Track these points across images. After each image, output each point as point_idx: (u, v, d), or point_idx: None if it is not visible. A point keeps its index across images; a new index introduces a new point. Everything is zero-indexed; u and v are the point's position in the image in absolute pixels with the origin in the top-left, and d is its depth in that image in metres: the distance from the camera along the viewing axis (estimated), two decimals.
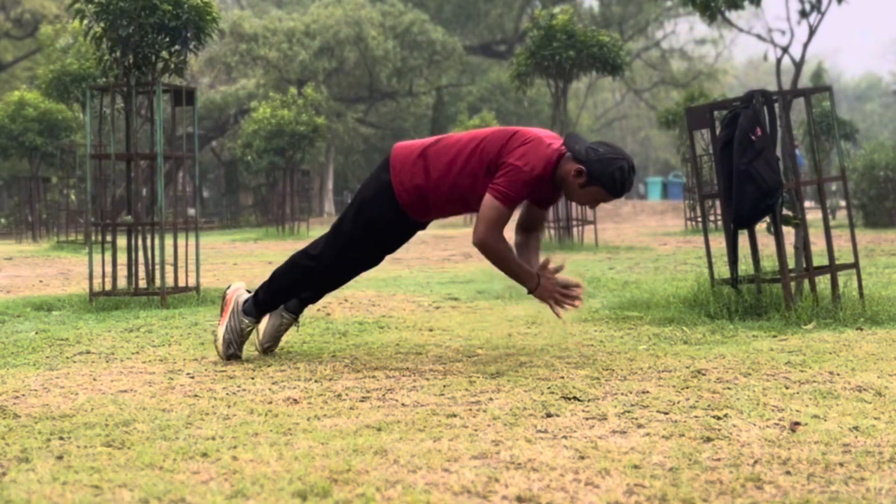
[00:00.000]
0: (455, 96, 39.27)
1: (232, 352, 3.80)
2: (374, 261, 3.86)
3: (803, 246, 4.85)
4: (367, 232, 3.70)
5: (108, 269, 6.37)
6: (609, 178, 3.45)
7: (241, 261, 11.11)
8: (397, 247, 3.86)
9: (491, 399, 2.91)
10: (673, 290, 5.39)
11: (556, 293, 3.56)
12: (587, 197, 3.55)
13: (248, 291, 3.90)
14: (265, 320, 3.90)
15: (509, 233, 3.60)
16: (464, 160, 3.56)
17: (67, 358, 3.97)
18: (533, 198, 3.65)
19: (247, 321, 3.80)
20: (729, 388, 2.99)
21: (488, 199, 3.48)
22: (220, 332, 3.80)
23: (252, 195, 32.21)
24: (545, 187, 3.56)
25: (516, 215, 3.79)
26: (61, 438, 2.50)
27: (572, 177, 3.48)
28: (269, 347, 3.93)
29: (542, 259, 3.71)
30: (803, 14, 5.08)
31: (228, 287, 3.92)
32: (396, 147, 3.75)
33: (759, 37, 5.49)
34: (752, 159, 4.47)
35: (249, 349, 3.99)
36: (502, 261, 3.55)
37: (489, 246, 3.51)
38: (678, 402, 2.80)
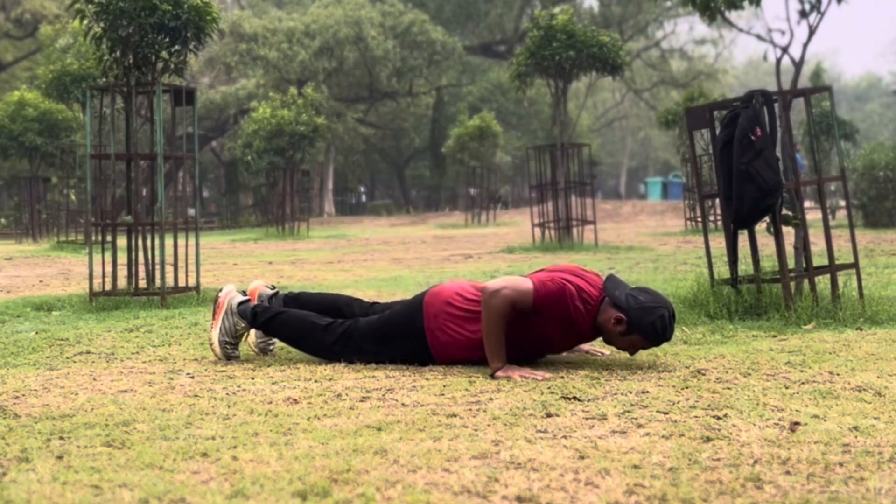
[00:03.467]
0: (455, 96, 39.28)
1: (229, 352, 3.81)
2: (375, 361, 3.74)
3: (803, 246, 4.85)
4: (385, 353, 3.63)
5: (108, 269, 6.37)
6: (650, 327, 3.38)
7: (240, 261, 11.11)
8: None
9: (491, 399, 2.91)
10: (673, 290, 5.39)
11: (520, 373, 3.34)
12: (626, 343, 3.47)
13: (242, 294, 3.90)
14: None
15: None
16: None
17: (67, 358, 3.97)
18: (570, 326, 3.47)
19: (242, 323, 3.81)
20: (729, 388, 2.99)
21: (525, 277, 3.46)
22: (215, 335, 3.81)
23: (252, 195, 32.21)
24: (583, 322, 3.44)
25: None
26: (61, 438, 2.50)
27: (612, 324, 3.42)
28: (264, 347, 3.93)
29: None
30: (803, 14, 5.08)
31: (220, 290, 3.93)
32: (432, 295, 3.62)
33: (758, 37, 5.49)
34: (752, 159, 4.47)
35: (249, 350, 4.00)
36: (495, 324, 3.37)
37: (493, 304, 3.35)
38: (678, 402, 2.80)
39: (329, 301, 3.97)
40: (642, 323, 3.38)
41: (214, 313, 3.85)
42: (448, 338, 3.54)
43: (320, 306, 3.91)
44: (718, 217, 14.57)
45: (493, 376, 3.31)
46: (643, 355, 3.69)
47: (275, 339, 3.96)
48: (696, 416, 2.62)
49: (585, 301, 3.42)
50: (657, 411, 2.69)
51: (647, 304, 3.39)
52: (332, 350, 3.68)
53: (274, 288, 4.04)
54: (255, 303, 3.90)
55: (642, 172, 62.68)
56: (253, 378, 3.38)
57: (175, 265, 6.24)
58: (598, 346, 3.89)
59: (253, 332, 3.94)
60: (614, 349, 3.82)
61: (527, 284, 3.39)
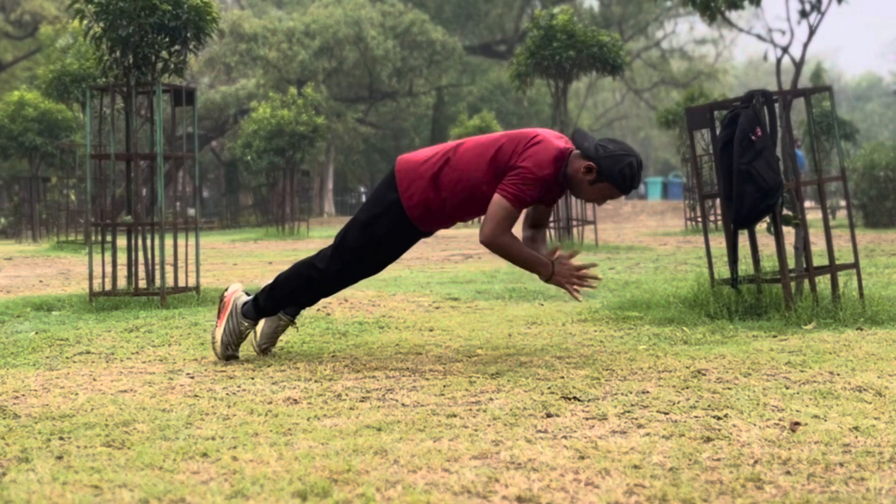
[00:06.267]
0: (455, 96, 39.27)
1: (230, 353, 3.81)
2: (377, 270, 3.86)
3: (803, 246, 4.84)
4: (375, 246, 3.71)
5: (108, 269, 6.37)
6: (619, 174, 3.49)
7: (241, 261, 11.10)
8: (401, 254, 3.86)
9: (491, 399, 2.91)
10: (673, 290, 5.39)
11: (572, 276, 3.60)
12: (596, 193, 3.58)
13: (247, 294, 3.90)
14: (263, 322, 3.91)
15: (517, 229, 3.61)
16: (474, 169, 3.56)
17: (67, 358, 3.97)
18: (541, 198, 3.65)
19: (246, 323, 3.81)
20: (729, 388, 2.99)
21: (497, 199, 3.49)
22: (218, 334, 3.80)
23: (252, 195, 32.22)
24: (553, 188, 3.57)
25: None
26: (61, 438, 2.50)
27: (581, 174, 3.51)
28: (266, 348, 3.93)
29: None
30: (803, 14, 5.08)
31: (226, 289, 3.92)
32: (400, 161, 3.73)
33: (759, 37, 5.49)
34: (752, 159, 4.47)
35: (249, 349, 4.00)
36: (514, 254, 3.57)
37: (498, 243, 3.53)
38: (678, 402, 2.80)
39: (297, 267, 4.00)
40: (612, 170, 3.48)
41: (220, 312, 3.85)
42: (423, 196, 3.60)
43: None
44: (718, 217, 14.57)
45: (548, 281, 3.60)
46: (643, 355, 3.69)
47: (274, 341, 3.95)
48: (696, 416, 2.62)
49: (556, 161, 3.49)
50: (657, 411, 2.69)
51: (616, 153, 3.50)
52: (333, 272, 3.72)
53: (250, 294, 4.04)
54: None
55: (643, 172, 62.67)
56: (253, 378, 3.38)
57: (175, 265, 6.24)
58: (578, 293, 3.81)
59: (253, 332, 3.94)
60: (593, 293, 3.83)
61: (507, 212, 3.47)
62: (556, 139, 3.58)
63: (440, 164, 3.62)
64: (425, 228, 3.72)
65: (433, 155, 3.69)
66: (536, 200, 3.62)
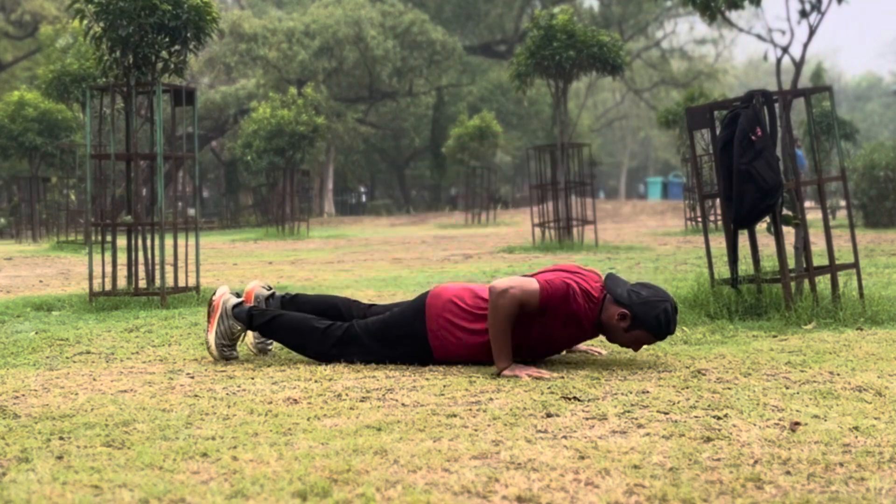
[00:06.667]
0: (455, 96, 39.26)
1: (227, 354, 3.80)
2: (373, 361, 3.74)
3: (803, 246, 4.84)
4: (385, 354, 3.64)
5: (108, 269, 6.37)
6: (654, 321, 3.42)
7: (241, 261, 11.10)
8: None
9: (491, 399, 2.91)
10: (673, 290, 5.39)
11: (527, 372, 3.36)
12: (630, 339, 3.49)
13: (236, 296, 3.89)
14: None
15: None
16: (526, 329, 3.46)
17: (67, 358, 3.97)
18: (571, 323, 3.48)
19: (238, 326, 3.81)
20: (729, 388, 2.99)
21: (530, 277, 3.46)
22: (211, 338, 3.80)
23: (252, 195, 32.21)
24: (587, 318, 3.46)
25: None
26: (61, 438, 2.50)
27: (616, 321, 3.44)
28: (264, 348, 3.93)
29: None
30: (803, 14, 5.08)
31: (214, 293, 3.92)
32: (433, 296, 3.63)
33: (759, 37, 5.49)
34: (752, 159, 4.47)
35: (249, 350, 3.99)
36: (502, 323, 3.37)
37: (502, 298, 3.36)
38: (678, 402, 2.80)
39: (327, 303, 3.96)
40: (646, 317, 3.41)
41: (209, 316, 3.84)
42: (450, 339, 3.55)
43: (318, 308, 3.89)
44: (718, 217, 14.56)
45: (499, 375, 3.32)
46: (643, 355, 3.69)
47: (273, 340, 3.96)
48: (696, 416, 2.62)
49: (588, 298, 3.44)
50: (657, 411, 2.69)
51: (650, 299, 3.43)
52: (330, 353, 3.68)
53: (271, 289, 4.03)
54: (252, 304, 3.89)
55: (642, 172, 62.66)
56: (253, 378, 3.38)
57: (175, 265, 6.24)
58: (595, 346, 3.90)
59: (250, 332, 3.94)
60: (614, 347, 3.83)
61: (533, 284, 3.40)
62: (588, 283, 3.49)
63: (470, 304, 3.56)
64: (440, 358, 3.62)
65: (467, 299, 3.58)
66: (557, 306, 3.42)
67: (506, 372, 3.33)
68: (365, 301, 4.08)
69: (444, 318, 3.56)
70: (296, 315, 3.80)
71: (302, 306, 3.91)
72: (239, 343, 3.96)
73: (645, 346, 3.84)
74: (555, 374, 3.30)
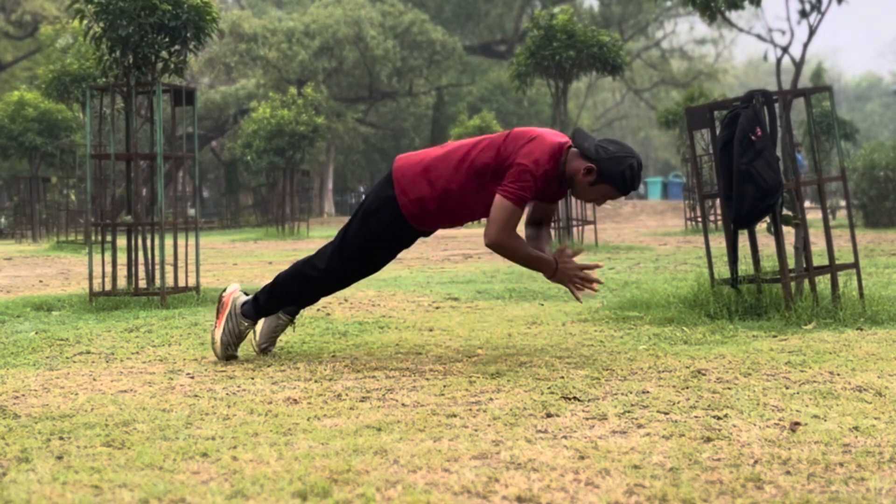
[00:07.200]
0: (455, 96, 39.27)
1: (230, 353, 3.81)
2: (377, 268, 3.87)
3: (803, 246, 4.84)
4: (373, 244, 3.72)
5: (108, 269, 6.37)
6: (619, 176, 3.49)
7: (240, 261, 11.10)
8: (399, 252, 3.88)
9: (491, 399, 2.91)
10: (673, 290, 5.39)
11: (575, 276, 3.61)
12: (595, 194, 3.59)
13: (245, 294, 3.91)
14: (262, 321, 3.92)
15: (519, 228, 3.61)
16: (468, 168, 3.58)
17: (67, 358, 3.97)
18: (541, 195, 3.65)
19: (245, 323, 3.81)
20: (729, 388, 2.99)
21: (499, 200, 3.49)
22: (218, 335, 3.80)
23: (252, 195, 32.23)
24: (552, 184, 3.57)
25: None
26: (61, 438, 2.50)
27: (581, 175, 3.52)
28: (266, 348, 3.93)
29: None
30: (803, 14, 5.08)
31: (224, 289, 3.93)
32: (398, 159, 3.76)
33: (759, 37, 5.49)
34: (752, 159, 4.47)
35: (249, 349, 4.00)
36: (518, 254, 3.58)
37: (503, 245, 3.53)
38: (678, 402, 2.80)
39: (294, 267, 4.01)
40: (612, 172, 3.49)
41: (218, 313, 3.85)
42: (418, 193, 3.62)
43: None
44: (718, 217, 14.57)
45: (551, 279, 3.63)
46: (643, 355, 3.69)
47: (273, 340, 3.96)
48: (696, 416, 2.62)
49: (554, 158, 3.51)
50: (657, 411, 2.69)
51: (617, 154, 3.51)
52: (333, 271, 3.73)
53: (249, 294, 4.04)
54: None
55: (642, 172, 62.67)
56: (253, 378, 3.38)
57: (175, 265, 6.24)
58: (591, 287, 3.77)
59: (252, 332, 3.94)
60: (609, 284, 3.83)
61: (509, 210, 3.46)
62: (553, 135, 3.58)
63: (436, 162, 3.63)
64: (420, 227, 3.72)
65: (430, 153, 3.71)
66: (537, 197, 3.62)
67: (555, 278, 3.60)
68: (365, 301, 4.08)
69: (409, 174, 3.65)
70: (284, 271, 3.88)
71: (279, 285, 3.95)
72: (243, 342, 3.96)
73: (644, 346, 3.84)
74: (598, 286, 3.53)
